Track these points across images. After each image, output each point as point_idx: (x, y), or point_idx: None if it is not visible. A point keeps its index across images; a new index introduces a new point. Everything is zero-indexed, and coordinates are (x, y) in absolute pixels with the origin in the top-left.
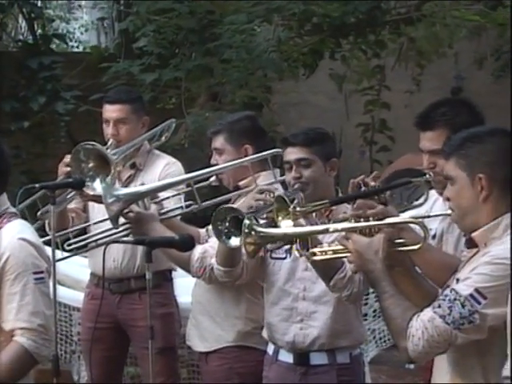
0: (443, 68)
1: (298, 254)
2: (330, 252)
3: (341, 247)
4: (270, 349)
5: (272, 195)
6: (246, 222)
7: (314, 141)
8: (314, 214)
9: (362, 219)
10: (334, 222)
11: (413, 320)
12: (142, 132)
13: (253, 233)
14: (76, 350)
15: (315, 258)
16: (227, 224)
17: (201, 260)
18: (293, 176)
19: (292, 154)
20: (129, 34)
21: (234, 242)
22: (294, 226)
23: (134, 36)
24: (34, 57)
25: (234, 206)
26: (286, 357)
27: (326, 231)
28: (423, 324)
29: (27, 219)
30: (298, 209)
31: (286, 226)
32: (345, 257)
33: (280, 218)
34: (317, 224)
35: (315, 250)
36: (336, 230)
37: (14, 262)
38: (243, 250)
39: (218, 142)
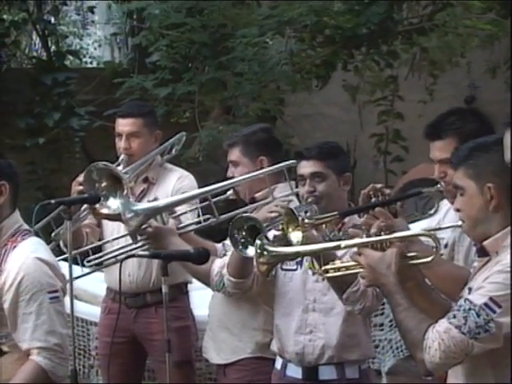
0: (456, 77)
1: (310, 272)
2: (343, 268)
3: (353, 263)
4: (278, 363)
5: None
6: (258, 242)
7: (328, 155)
8: (324, 226)
9: (373, 234)
10: (346, 239)
11: (428, 331)
12: (154, 146)
13: (265, 253)
14: (94, 365)
15: (328, 274)
16: (244, 233)
17: (220, 274)
18: (307, 190)
19: (306, 167)
20: (142, 49)
21: (251, 251)
22: (306, 237)
23: (147, 51)
24: (48, 73)
25: (252, 215)
26: (295, 372)
27: (338, 248)
28: (439, 335)
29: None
30: (306, 221)
31: (297, 239)
32: (357, 272)
33: (290, 230)
34: (329, 238)
35: (328, 267)
36: (348, 246)
37: (28, 282)
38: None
39: (234, 154)
